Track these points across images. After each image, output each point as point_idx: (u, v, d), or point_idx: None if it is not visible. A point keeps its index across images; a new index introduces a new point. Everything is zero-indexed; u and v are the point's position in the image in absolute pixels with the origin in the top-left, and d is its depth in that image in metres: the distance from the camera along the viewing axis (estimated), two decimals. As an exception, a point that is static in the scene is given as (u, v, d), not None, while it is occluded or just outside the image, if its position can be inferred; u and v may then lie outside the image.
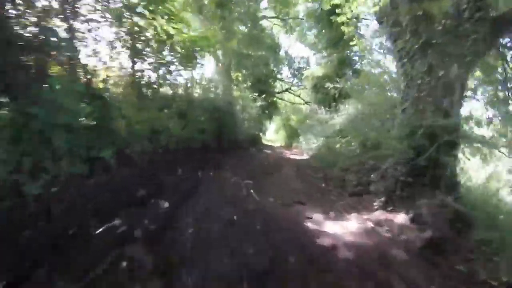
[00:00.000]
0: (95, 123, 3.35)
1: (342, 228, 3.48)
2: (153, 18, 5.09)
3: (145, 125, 4.38)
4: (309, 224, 3.48)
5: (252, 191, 4.41)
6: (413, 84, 4.34)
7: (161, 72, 5.59)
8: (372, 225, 3.81)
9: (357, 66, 14.40)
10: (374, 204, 4.40)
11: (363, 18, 12.47)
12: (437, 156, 4.02)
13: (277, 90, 19.72)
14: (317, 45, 15.58)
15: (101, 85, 3.95)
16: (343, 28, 11.58)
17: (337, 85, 13.32)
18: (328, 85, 13.99)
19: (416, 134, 4.16)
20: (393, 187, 4.35)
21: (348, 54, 14.61)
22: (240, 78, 11.96)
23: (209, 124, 6.50)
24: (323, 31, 14.35)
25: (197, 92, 7.18)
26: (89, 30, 4.01)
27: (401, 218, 3.90)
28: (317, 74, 15.17)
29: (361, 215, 4.13)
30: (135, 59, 4.99)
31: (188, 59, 6.09)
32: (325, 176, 6.67)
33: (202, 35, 6.14)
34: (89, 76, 3.75)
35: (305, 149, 13.03)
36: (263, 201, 4.04)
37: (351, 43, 12.05)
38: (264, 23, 15.06)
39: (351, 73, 13.47)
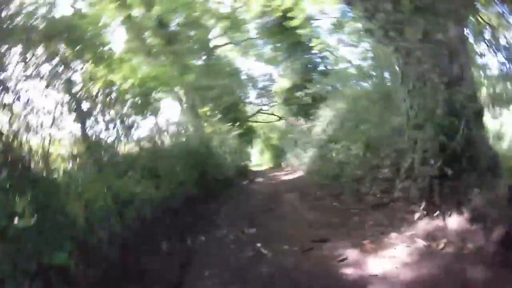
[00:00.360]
0: (36, 218, 2.28)
1: (390, 261, 2.60)
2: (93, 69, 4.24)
3: (107, 198, 3.33)
4: (347, 270, 2.57)
5: (258, 244, 3.43)
6: (412, 58, 3.65)
7: (116, 128, 4.64)
8: (424, 243, 2.93)
9: (323, 67, 14.08)
10: (415, 214, 3.52)
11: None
12: (469, 132, 3.27)
13: (249, 114, 19.16)
14: (276, 58, 15.25)
15: (41, 164, 2.95)
16: (299, 32, 11.21)
17: (308, 91, 12.81)
18: (299, 94, 13.50)
19: (438, 113, 3.39)
20: (430, 186, 3.50)
21: (310, 58, 14.33)
22: (208, 113, 11.18)
23: (187, 172, 5.50)
24: (278, 42, 14.05)
25: (165, 140, 6.20)
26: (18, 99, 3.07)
27: (455, 221, 3.03)
28: (285, 86, 14.71)
29: (403, 232, 3.24)
30: (81, 121, 4.05)
31: (143, 106, 5.19)
32: (333, 193, 5.77)
33: (151, 75, 5.30)
34: (23, 157, 2.74)
35: (297, 165, 12.16)
36: (276, 254, 3.09)
37: (311, 45, 11.79)
38: (219, 50, 14.59)
39: (318, 75, 13.11)
